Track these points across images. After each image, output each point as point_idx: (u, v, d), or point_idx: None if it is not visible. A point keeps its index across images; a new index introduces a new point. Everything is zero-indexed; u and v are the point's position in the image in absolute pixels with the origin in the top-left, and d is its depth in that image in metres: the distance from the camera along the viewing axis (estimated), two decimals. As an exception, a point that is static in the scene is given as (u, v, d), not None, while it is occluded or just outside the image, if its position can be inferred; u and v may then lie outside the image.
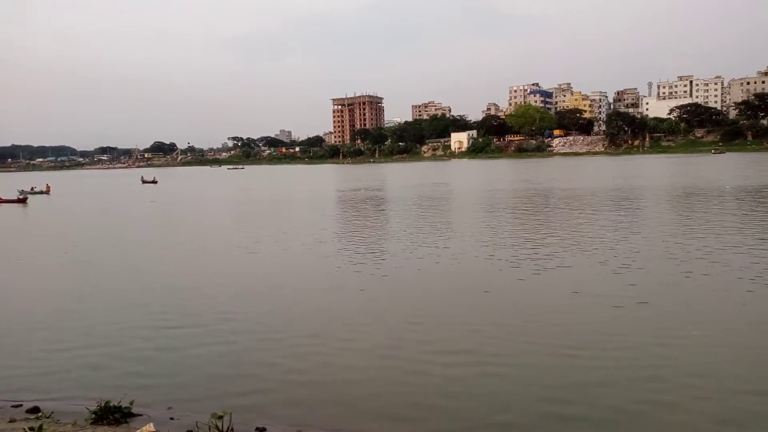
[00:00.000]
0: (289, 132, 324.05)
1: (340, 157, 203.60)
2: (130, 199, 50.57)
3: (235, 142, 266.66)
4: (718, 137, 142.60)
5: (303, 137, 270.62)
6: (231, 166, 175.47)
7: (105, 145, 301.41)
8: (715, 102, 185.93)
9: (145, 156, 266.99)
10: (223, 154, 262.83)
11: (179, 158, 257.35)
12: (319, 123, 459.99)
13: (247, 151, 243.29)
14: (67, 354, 9.62)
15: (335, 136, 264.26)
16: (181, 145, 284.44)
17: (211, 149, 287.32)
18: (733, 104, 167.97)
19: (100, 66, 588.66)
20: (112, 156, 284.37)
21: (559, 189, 42.11)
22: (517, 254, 16.56)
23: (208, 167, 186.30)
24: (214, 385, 8.15)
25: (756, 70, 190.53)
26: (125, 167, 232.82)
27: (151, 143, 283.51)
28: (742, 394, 7.21)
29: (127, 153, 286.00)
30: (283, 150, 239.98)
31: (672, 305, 11.06)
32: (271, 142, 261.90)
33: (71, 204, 48.08)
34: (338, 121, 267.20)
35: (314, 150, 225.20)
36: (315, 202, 40.84)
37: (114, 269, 17.01)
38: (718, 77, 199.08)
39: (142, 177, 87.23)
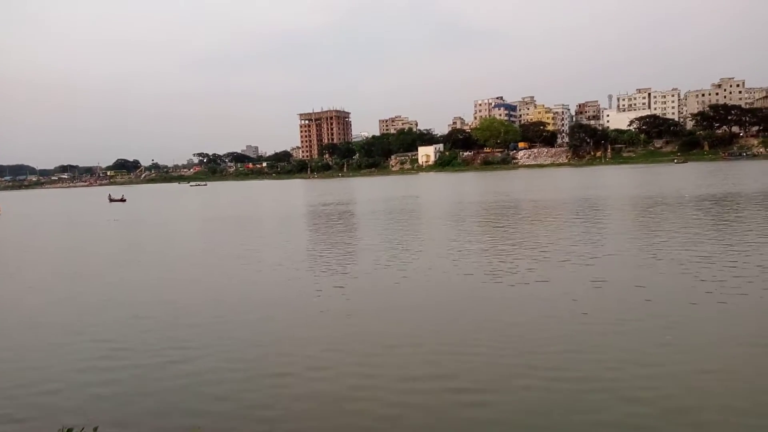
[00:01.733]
0: (256, 147, 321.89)
1: (308, 172, 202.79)
2: (91, 219, 48.94)
3: (201, 158, 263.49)
4: (676, 147, 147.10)
5: (270, 152, 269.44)
6: (194, 183, 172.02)
7: (66, 164, 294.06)
8: (673, 113, 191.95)
9: (108, 174, 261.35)
10: (189, 170, 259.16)
11: (143, 175, 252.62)
12: (287, 138, 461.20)
13: (213, 168, 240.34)
14: (26, 380, 9.01)
15: (303, 151, 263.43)
16: (146, 162, 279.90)
17: (176, 166, 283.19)
18: (689, 115, 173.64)
19: (63, 80, 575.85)
20: (73, 174, 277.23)
21: (530, 201, 42.43)
22: (497, 267, 16.40)
23: (176, 184, 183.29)
24: (172, 416, 7.70)
25: (710, 83, 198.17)
26: (87, 185, 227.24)
27: (114, 161, 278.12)
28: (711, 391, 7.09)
29: (89, 171, 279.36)
30: (250, 165, 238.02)
31: (642, 313, 10.99)
32: (238, 157, 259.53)
33: (25, 224, 46.32)
34: (306, 136, 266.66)
35: (282, 165, 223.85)
36: (284, 217, 40.20)
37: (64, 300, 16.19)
38: (675, 89, 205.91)
39: (110, 195, 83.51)
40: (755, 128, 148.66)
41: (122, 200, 76.89)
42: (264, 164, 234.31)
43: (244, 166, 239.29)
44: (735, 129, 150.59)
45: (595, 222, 27.16)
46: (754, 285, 12.98)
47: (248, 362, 9.84)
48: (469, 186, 74.39)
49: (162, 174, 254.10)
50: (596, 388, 8.01)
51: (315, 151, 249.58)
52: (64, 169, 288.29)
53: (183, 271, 19.35)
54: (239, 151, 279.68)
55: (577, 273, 15.37)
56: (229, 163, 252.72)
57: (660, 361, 8.82)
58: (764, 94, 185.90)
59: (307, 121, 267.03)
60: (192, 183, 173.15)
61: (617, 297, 12.73)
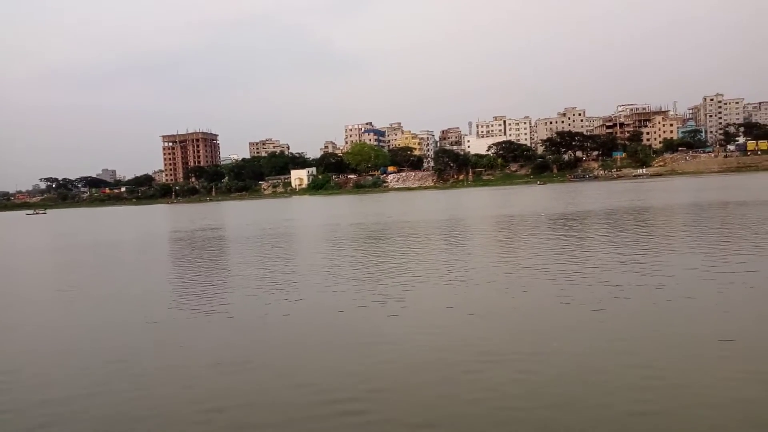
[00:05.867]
0: (114, 171, 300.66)
1: (173, 196, 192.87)
2: None
3: (49, 183, 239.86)
4: (530, 171, 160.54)
5: (130, 176, 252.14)
6: (31, 211, 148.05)
7: None
8: (525, 139, 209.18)
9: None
10: (35, 197, 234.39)
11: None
12: (149, 161, 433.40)
13: (63, 193, 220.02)
14: None
15: (166, 175, 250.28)
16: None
17: (20, 191, 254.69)
18: (540, 141, 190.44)
19: None
20: None
21: (404, 222, 43.60)
22: (381, 290, 16.56)
23: (17, 212, 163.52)
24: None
25: (556, 112, 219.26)
26: None
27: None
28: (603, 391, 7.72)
29: None
30: (107, 191, 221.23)
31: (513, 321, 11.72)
32: (92, 182, 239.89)
33: None
34: (169, 159, 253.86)
35: (143, 190, 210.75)
36: (142, 246, 37.69)
37: None
38: (527, 117, 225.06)
39: None
40: (595, 153, 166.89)
41: None
42: (123, 189, 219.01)
43: (100, 191, 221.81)
44: (579, 153, 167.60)
45: (468, 241, 28.57)
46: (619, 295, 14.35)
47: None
48: (344, 209, 75.01)
49: (2, 201, 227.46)
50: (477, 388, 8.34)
51: (180, 175, 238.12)
52: None
53: None
54: (94, 175, 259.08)
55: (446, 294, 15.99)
56: (82, 189, 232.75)
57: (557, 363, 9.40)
58: (601, 122, 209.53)
59: (171, 143, 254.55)
60: (28, 211, 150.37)
61: (496, 325, 13.41)
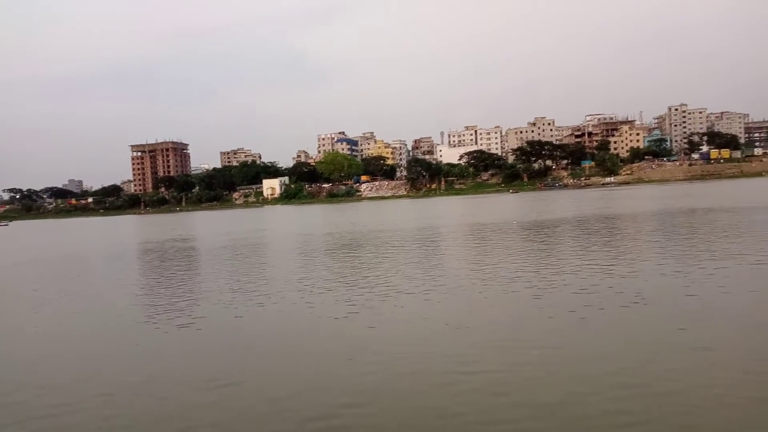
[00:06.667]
0: (80, 181, 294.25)
1: (142, 206, 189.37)
2: None
3: (13, 194, 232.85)
4: (501, 179, 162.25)
5: (97, 187, 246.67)
6: None
7: None
8: (496, 148, 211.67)
9: None
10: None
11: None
12: (117, 172, 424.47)
13: (28, 204, 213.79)
14: None
15: (135, 185, 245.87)
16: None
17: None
18: (510, 150, 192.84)
19: None
20: None
21: (379, 231, 43.42)
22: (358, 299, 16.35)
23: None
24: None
25: (526, 121, 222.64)
26: None
27: None
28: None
29: None
30: (74, 201, 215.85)
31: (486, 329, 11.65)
32: (58, 193, 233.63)
33: None
34: (138, 169, 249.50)
35: (111, 200, 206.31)
36: (110, 258, 36.74)
37: None
38: (497, 127, 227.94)
39: None
40: (564, 162, 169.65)
41: None
42: (90, 200, 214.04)
43: (66, 202, 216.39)
44: (549, 162, 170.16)
45: (443, 250, 28.56)
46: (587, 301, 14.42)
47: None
48: (317, 218, 74.57)
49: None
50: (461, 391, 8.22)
51: (150, 185, 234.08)
52: None
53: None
54: (60, 185, 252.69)
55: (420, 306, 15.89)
56: (48, 199, 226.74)
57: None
58: (570, 132, 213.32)
59: (140, 153, 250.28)
60: None
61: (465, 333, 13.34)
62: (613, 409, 7.72)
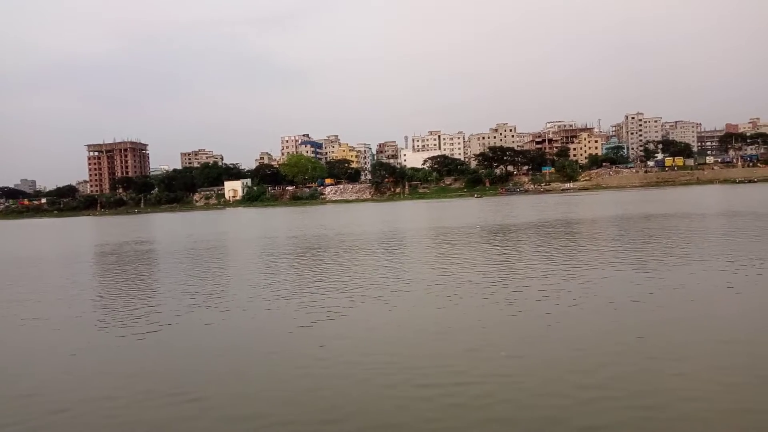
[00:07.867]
0: (33, 182, 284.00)
1: (98, 208, 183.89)
2: None
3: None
4: (463, 184, 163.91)
5: (51, 187, 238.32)
6: None
7: None
8: (459, 154, 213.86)
9: None
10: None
11: None
12: (73, 172, 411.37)
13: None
14: None
15: (92, 186, 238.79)
16: None
17: None
18: (473, 156, 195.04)
19: None
20: None
21: (344, 234, 42.95)
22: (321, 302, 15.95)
23: None
24: None
25: (488, 127, 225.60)
26: None
27: None
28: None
29: None
30: (26, 202, 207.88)
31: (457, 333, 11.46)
32: (9, 193, 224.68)
33: None
34: (95, 169, 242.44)
35: (65, 201, 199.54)
36: (65, 261, 35.27)
37: None
38: (460, 132, 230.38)
39: None
40: (525, 167, 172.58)
41: None
42: (43, 200, 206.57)
43: (17, 202, 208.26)
44: (510, 168, 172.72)
45: (410, 254, 28.40)
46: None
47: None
48: (281, 221, 73.47)
49: None
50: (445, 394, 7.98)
51: (106, 186, 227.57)
52: None
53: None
54: (11, 185, 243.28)
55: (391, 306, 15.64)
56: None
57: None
58: (531, 138, 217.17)
59: (96, 153, 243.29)
60: None
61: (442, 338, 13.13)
62: (586, 412, 7.60)
